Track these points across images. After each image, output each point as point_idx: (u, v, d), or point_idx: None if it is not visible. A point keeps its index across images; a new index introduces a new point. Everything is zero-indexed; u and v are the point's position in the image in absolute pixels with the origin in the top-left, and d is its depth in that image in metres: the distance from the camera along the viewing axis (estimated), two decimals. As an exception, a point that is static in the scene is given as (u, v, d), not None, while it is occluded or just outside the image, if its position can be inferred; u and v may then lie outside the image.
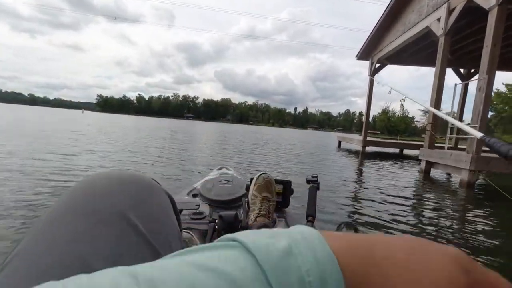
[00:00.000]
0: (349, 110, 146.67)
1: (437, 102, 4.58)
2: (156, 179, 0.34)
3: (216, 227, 0.66)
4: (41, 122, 10.93)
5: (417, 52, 7.18)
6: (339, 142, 10.94)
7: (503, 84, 18.80)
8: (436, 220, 2.23)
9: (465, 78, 7.71)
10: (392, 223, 2.03)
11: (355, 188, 3.29)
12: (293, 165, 4.67)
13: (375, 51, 7.53)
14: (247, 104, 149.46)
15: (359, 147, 8.27)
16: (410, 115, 70.28)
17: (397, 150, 9.79)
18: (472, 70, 7.72)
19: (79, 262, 0.20)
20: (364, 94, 8.33)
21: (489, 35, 3.51)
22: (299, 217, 0.99)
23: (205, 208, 0.95)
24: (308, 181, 0.89)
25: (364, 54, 8.01)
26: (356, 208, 2.38)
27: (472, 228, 2.10)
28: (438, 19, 4.57)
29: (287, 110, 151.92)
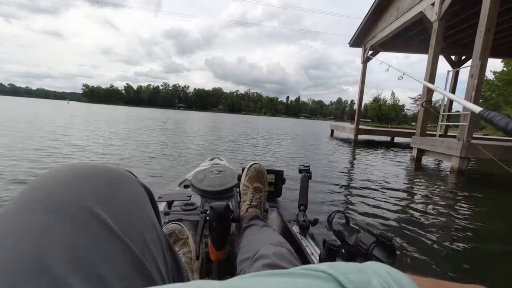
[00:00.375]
0: (341, 98, 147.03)
1: (429, 89, 4.55)
2: (132, 171, 0.31)
3: (208, 218, 0.65)
4: (26, 114, 10.46)
5: (411, 38, 7.12)
6: (332, 131, 10.95)
7: (491, 71, 19.10)
8: (426, 207, 2.24)
9: (456, 65, 7.73)
10: (384, 212, 2.02)
11: (347, 176, 3.29)
12: (286, 155, 4.62)
13: (368, 37, 7.41)
14: (238, 93, 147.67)
15: (351, 136, 8.29)
16: (400, 103, 71.42)
17: (388, 138, 9.92)
18: (463, 57, 7.74)
19: (35, 260, 0.18)
20: (356, 83, 8.29)
21: (483, 20, 3.45)
22: (291, 206, 0.98)
23: (196, 199, 0.94)
24: (300, 170, 0.88)
25: (357, 41, 7.88)
26: (348, 197, 2.37)
27: (462, 213, 2.12)
28: (432, 4, 4.47)
29: (279, 99, 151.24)
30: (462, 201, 2.49)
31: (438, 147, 4.03)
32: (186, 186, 1.12)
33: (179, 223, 0.69)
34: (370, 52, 7.58)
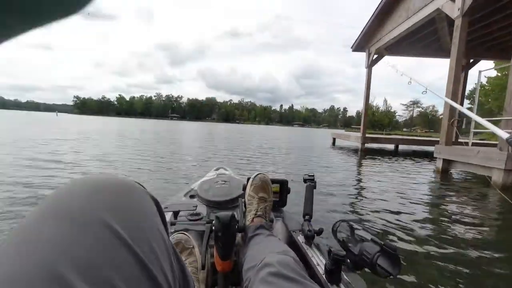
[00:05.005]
0: (333, 106, 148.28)
1: (454, 94, 4.07)
2: (140, 183, 0.31)
3: (213, 228, 0.61)
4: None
5: (419, 41, 6.74)
6: (334, 140, 10.44)
7: (485, 76, 19.20)
8: (457, 229, 1.82)
9: (463, 68, 7.38)
10: (406, 231, 1.73)
11: (360, 188, 3.00)
12: (291, 166, 4.03)
13: (373, 41, 7.02)
14: (232, 102, 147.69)
15: (356, 144, 7.78)
16: (392, 110, 72.55)
17: (392, 146, 9.42)
18: (471, 60, 7.41)
19: (48, 269, 0.19)
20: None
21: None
22: (296, 216, 0.93)
23: (202, 209, 0.94)
24: (305, 180, 0.86)
25: (361, 45, 7.49)
26: (360, 210, 2.17)
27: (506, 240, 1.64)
28: (453, -1, 4.05)
29: (273, 108, 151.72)
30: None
31: (472, 158, 3.50)
32: (191, 196, 1.12)
33: (185, 233, 0.70)
34: (375, 56, 7.19)
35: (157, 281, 0.22)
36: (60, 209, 0.23)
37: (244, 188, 0.85)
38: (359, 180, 3.56)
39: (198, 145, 7.78)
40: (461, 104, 7.48)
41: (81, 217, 0.22)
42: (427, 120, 66.89)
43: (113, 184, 0.27)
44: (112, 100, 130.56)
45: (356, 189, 3.00)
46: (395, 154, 7.40)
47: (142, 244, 0.24)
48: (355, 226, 1.79)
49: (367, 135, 7.48)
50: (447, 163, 4.13)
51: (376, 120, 59.91)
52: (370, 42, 7.16)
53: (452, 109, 4.10)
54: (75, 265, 0.19)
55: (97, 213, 0.23)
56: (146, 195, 0.30)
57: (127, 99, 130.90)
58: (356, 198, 2.60)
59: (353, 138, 8.16)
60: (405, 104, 71.29)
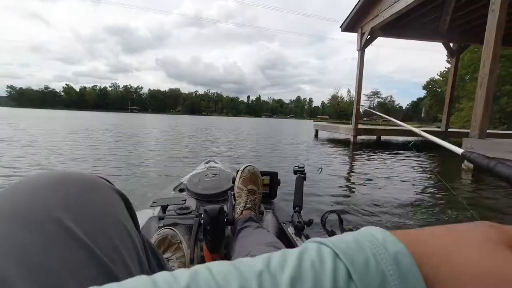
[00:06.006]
0: (299, 97, 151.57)
1: (488, 90, 3.32)
2: (107, 178, 0.29)
3: (202, 221, 0.64)
4: None
5: (418, 19, 6.07)
6: (316, 131, 9.67)
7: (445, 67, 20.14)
8: None
9: (455, 53, 6.99)
10: (394, 221, 1.76)
11: (350, 183, 2.86)
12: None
13: (367, 19, 6.15)
14: (198, 94, 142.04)
15: (344, 136, 7.05)
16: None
17: (373, 137, 8.92)
18: (463, 45, 7.04)
19: None
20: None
21: None
22: (287, 207, 0.92)
23: (191, 203, 0.92)
24: (295, 171, 0.87)
25: (351, 23, 6.60)
26: (351, 202, 2.11)
27: None
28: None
29: (240, 99, 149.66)
30: None
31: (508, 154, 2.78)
32: (181, 190, 1.11)
33: (172, 227, 0.68)
34: (369, 36, 6.36)
35: (118, 279, 0.20)
36: (13, 206, 0.21)
37: (234, 181, 0.85)
38: (349, 174, 3.43)
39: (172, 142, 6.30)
40: (452, 91, 7.14)
41: (34, 216, 0.21)
42: (385, 109, 71.77)
43: (72, 180, 0.25)
44: (58, 90, 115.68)
45: (347, 181, 2.98)
46: (379, 145, 6.86)
47: (102, 242, 0.23)
48: (344, 216, 1.50)
49: (360, 127, 6.72)
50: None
51: (341, 110, 62.35)
52: (363, 20, 6.30)
53: (487, 99, 3.35)
54: (23, 267, 0.18)
55: (48, 211, 0.22)
56: (111, 191, 0.28)
57: (77, 89, 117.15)
58: (346, 189, 2.59)
59: (343, 130, 7.39)
60: (367, 94, 75.40)
